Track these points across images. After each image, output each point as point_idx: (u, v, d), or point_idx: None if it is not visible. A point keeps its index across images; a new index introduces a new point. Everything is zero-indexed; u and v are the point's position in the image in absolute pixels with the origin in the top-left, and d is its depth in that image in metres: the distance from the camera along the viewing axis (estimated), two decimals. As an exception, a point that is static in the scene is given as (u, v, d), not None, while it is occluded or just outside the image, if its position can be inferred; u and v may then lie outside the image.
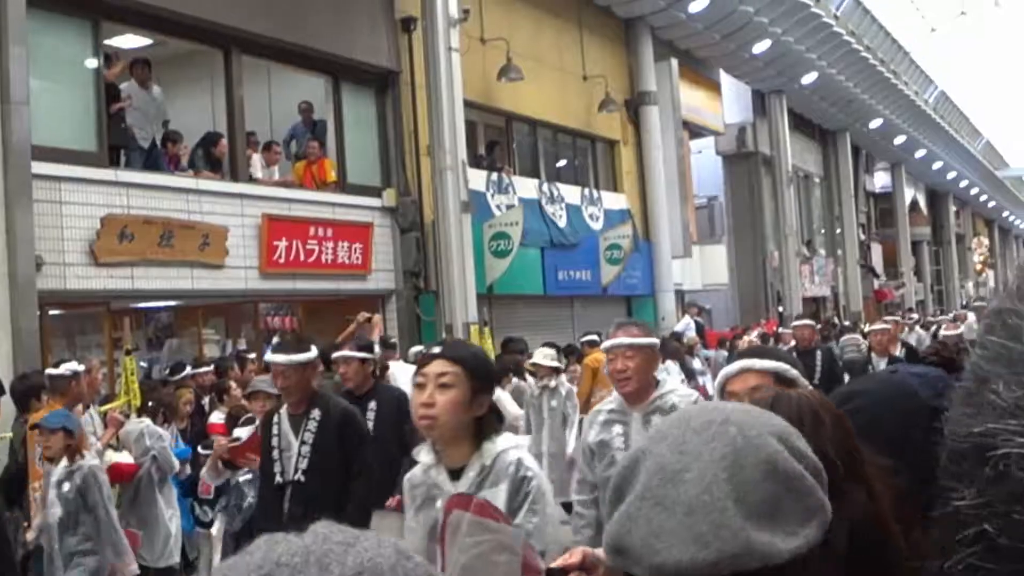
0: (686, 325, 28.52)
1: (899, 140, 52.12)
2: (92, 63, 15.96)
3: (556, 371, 14.71)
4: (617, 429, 6.78)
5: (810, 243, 45.34)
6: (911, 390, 2.59)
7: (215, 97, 18.93)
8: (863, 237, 52.92)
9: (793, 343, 16.23)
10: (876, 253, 55.98)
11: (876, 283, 54.19)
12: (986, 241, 65.86)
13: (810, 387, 3.37)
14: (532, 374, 15.73)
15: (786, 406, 2.13)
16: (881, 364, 11.57)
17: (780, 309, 40.11)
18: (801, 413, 2.12)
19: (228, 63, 18.33)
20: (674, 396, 6.76)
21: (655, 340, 7.02)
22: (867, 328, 14.16)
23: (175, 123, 18.10)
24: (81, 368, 10.06)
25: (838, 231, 49.36)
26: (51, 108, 15.09)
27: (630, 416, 6.78)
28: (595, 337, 19.95)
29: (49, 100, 15.06)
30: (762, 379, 3.75)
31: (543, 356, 14.83)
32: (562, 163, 28.82)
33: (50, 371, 9.57)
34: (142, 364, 17.77)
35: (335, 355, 10.90)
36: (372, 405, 10.22)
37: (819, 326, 25.34)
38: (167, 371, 15.36)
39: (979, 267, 72.02)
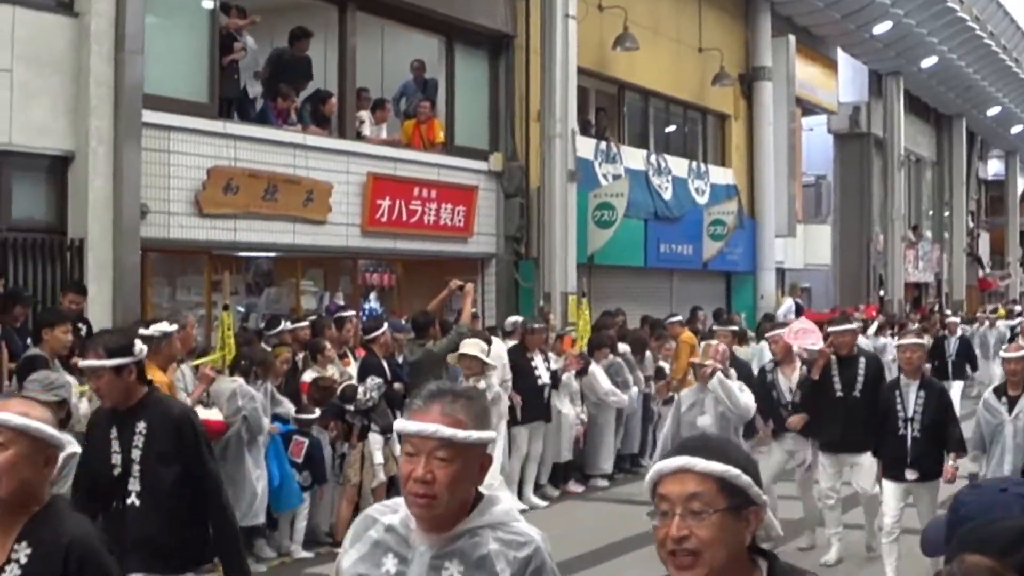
0: (788, 308, 28.25)
1: (1016, 129, 51.15)
2: (208, 4, 15.98)
3: (485, 367, 12.55)
4: None
5: (916, 228, 44.63)
6: None
7: (328, 52, 18.85)
8: (971, 224, 52.13)
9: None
10: (983, 241, 55.15)
11: (981, 272, 53.37)
12: None
13: (763, 497, 2.99)
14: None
15: None
16: (911, 388, 10.98)
17: (882, 293, 39.65)
18: None
19: (343, 18, 18.30)
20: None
21: (486, 435, 3.71)
22: (897, 342, 13.10)
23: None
24: (173, 328, 10.03)
25: (946, 215, 48.62)
26: (165, 56, 15.13)
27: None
28: (679, 317, 19.95)
29: (163, 48, 15.10)
30: (703, 484, 2.96)
31: (473, 347, 12.48)
32: (671, 135, 28.52)
33: (142, 331, 9.56)
34: (239, 309, 17.85)
35: (82, 363, 7.35)
36: (140, 426, 6.63)
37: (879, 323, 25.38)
38: (263, 324, 15.36)
39: None
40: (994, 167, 58.29)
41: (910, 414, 10.84)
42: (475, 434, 3.63)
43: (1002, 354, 11.10)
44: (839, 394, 11.97)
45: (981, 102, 45.53)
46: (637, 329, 20.14)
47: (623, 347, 17.79)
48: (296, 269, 18.75)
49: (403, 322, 15.61)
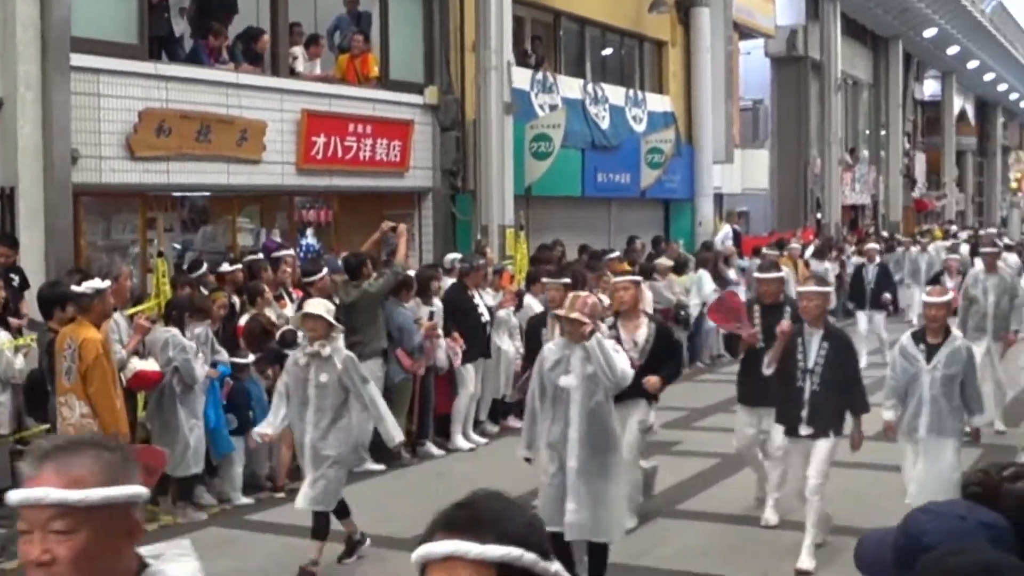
0: (725, 235, 28.42)
1: (952, 50, 51.32)
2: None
3: (331, 329, 10.31)
4: None
5: (854, 151, 44.87)
6: (1012, 560, 2.45)
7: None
8: (907, 146, 52.40)
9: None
10: (919, 162, 55.48)
11: (917, 193, 53.74)
12: None
13: (552, 569, 2.49)
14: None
15: None
16: (814, 338, 10.10)
17: (819, 216, 39.87)
18: None
19: (274, -48, 18.07)
20: None
21: (123, 491, 2.92)
22: (797, 288, 12.30)
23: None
24: (106, 285, 9.97)
25: (883, 135, 48.85)
26: (92, -1, 14.91)
27: None
28: (617, 253, 19.90)
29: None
30: (477, 573, 2.43)
31: (317, 306, 10.55)
32: (608, 63, 28.45)
33: (74, 288, 9.50)
34: (175, 246, 17.78)
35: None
36: None
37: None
38: (186, 266, 15.21)
39: (1015, 184, 68.41)
40: (930, 88, 58.53)
41: (810, 365, 10.15)
42: (101, 492, 2.79)
43: (924, 298, 10.62)
44: (760, 344, 11.21)
45: (917, 24, 45.65)
46: (574, 262, 20.16)
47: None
48: (232, 206, 18.65)
49: (339, 262, 15.58)
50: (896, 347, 10.67)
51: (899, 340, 10.76)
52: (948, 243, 34.01)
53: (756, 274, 12.96)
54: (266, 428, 10.33)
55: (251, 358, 12.76)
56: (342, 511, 10.31)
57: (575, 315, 8.73)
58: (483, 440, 15.58)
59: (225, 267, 14.51)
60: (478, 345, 15.33)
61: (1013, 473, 3.05)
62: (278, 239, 18.36)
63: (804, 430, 10.17)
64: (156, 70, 15.39)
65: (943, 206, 56.60)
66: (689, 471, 13.48)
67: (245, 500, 12.51)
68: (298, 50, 18.46)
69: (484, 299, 15.92)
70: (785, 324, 10.50)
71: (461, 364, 15.21)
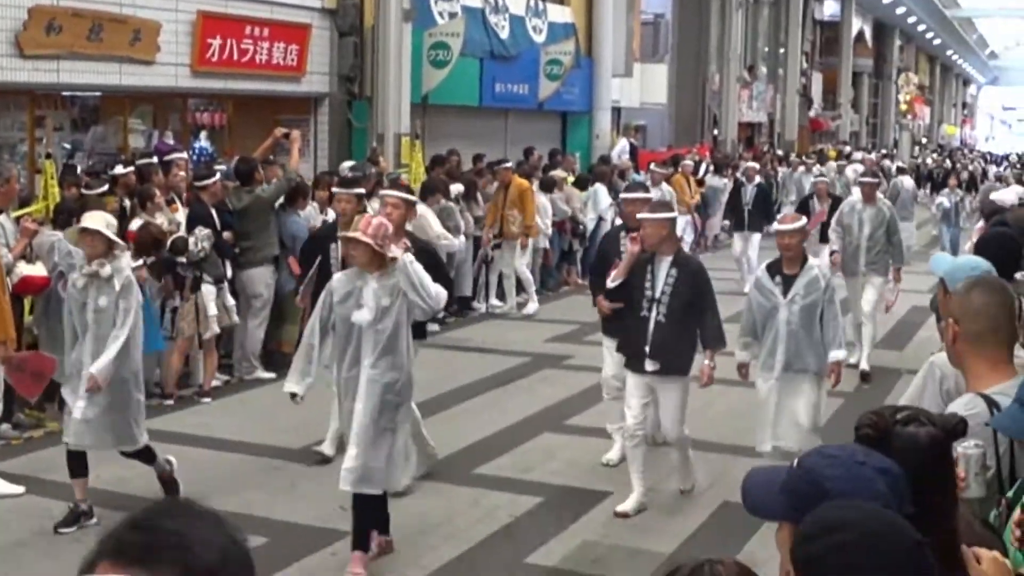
0: (622, 148, 28.49)
1: (852, -30, 51.61)
2: None
3: (112, 247, 8.96)
4: None
5: (752, 68, 45.05)
6: (899, 525, 2.49)
7: None
8: (805, 65, 52.71)
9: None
10: (816, 82, 55.86)
11: (813, 112, 54.16)
12: (915, 79, 62.48)
13: None
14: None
15: None
16: (663, 264, 9.25)
17: (716, 132, 40.08)
18: None
19: None
20: None
21: None
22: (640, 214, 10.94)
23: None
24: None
25: (781, 52, 49.09)
26: None
27: None
28: (510, 164, 19.67)
29: None
30: None
31: (96, 220, 9.03)
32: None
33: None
34: (65, 146, 17.51)
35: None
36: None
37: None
38: (61, 170, 14.85)
39: (904, 106, 66.91)
40: (830, 8, 58.75)
41: (657, 294, 9.27)
42: None
43: (776, 226, 10.07)
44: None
45: (820, -58, 45.83)
46: (468, 171, 20.13)
47: (456, 188, 17.80)
48: (124, 107, 18.35)
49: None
50: (751, 281, 10.36)
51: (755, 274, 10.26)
52: (847, 165, 34.30)
53: (622, 195, 12.14)
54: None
55: (139, 262, 12.59)
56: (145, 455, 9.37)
57: (356, 235, 7.77)
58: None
59: (118, 169, 14.29)
60: (371, 255, 15.24)
61: (905, 416, 3.10)
62: (171, 141, 18.12)
63: (649, 365, 9.29)
64: (46, -35, 15.04)
65: (838, 127, 57.14)
66: (578, 386, 13.52)
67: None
68: (195, -52, 18.13)
69: (377, 208, 15.81)
70: (633, 244, 9.44)
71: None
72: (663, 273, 9.28)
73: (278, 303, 14.10)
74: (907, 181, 28.63)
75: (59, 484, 9.34)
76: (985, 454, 4.15)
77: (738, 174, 25.83)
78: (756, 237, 21.90)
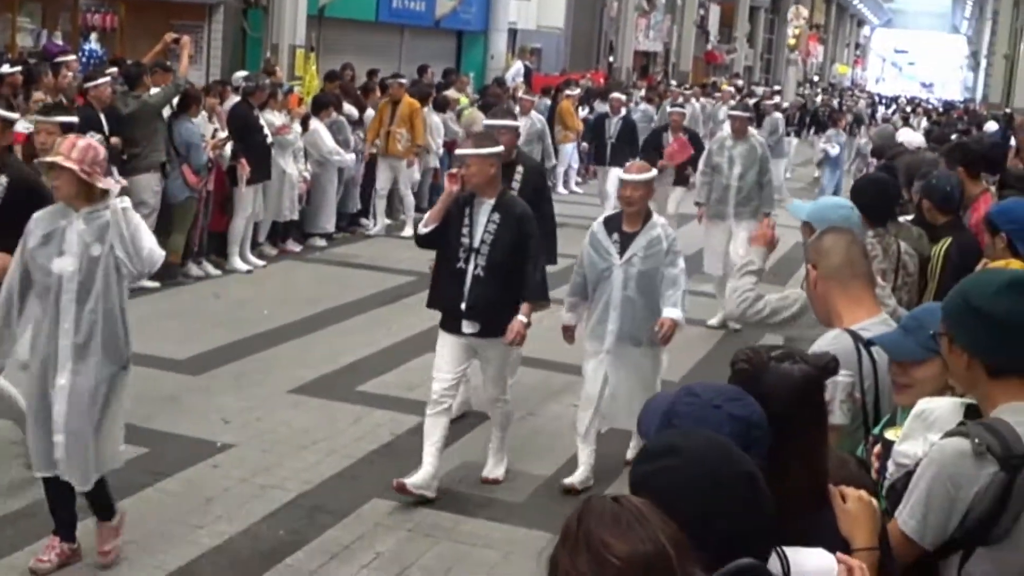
0: (516, 71, 28.41)
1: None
2: None
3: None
4: None
5: (651, -3, 45.14)
6: (732, 456, 2.55)
7: None
8: (703, -4, 52.91)
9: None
10: (714, 14, 56.03)
11: (709, 45, 54.37)
12: (805, 12, 60.94)
13: None
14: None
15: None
16: (483, 208, 7.96)
17: (611, 60, 40.10)
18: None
19: None
20: None
21: None
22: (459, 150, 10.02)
23: None
24: None
25: (680, -17, 49.25)
26: None
27: None
28: (404, 80, 19.14)
29: None
30: None
31: None
32: None
33: None
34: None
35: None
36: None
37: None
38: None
39: (792, 41, 62.52)
40: (731, -61, 59.05)
41: (476, 243, 7.97)
42: None
43: (620, 174, 8.61)
44: None
45: None
46: (360, 86, 19.94)
47: (348, 107, 17.68)
48: (12, 4, 17.97)
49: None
50: (586, 236, 8.62)
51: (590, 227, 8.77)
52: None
53: (486, 120, 11.05)
54: None
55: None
56: None
57: (56, 159, 6.32)
58: (261, 263, 15.41)
59: (5, 68, 13.99)
60: (261, 167, 15.06)
61: (780, 354, 3.17)
62: (60, 42, 17.79)
63: (467, 327, 8.08)
64: None
65: (732, 60, 57.41)
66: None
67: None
68: None
69: (270, 119, 15.64)
70: (451, 182, 7.99)
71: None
72: (483, 219, 8.01)
73: (165, 211, 13.93)
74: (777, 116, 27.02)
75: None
76: (853, 384, 4.42)
77: (634, 102, 25.75)
78: (616, 170, 19.97)
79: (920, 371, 3.96)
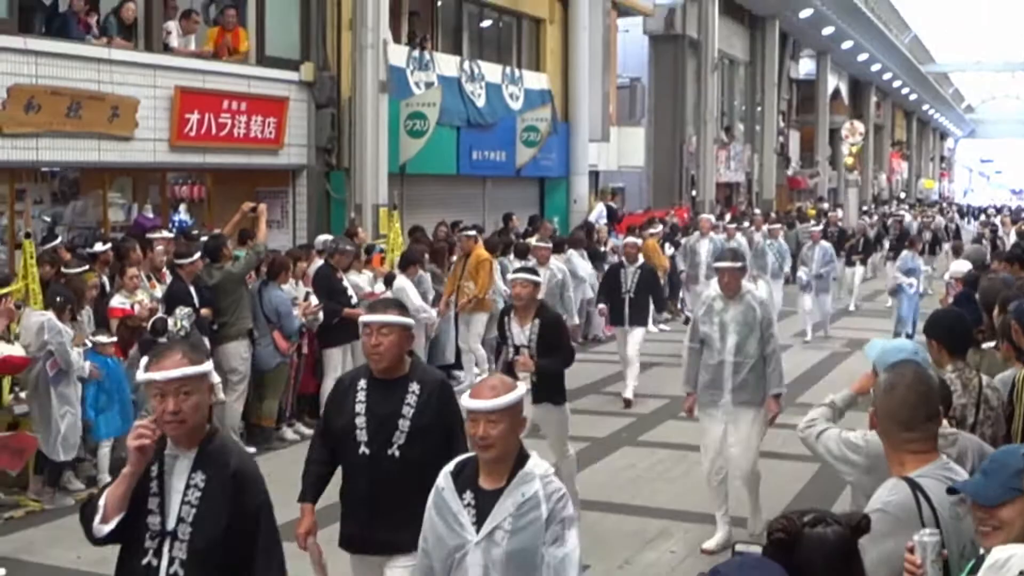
0: (600, 212, 28.67)
1: (827, 30, 52.09)
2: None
3: None
4: None
5: (729, 129, 45.46)
6: None
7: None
8: (782, 124, 53.12)
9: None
10: (794, 140, 56.27)
11: (790, 170, 54.53)
12: (861, 128, 56.00)
13: None
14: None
15: None
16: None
17: (694, 194, 40.33)
18: None
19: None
20: None
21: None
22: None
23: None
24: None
25: (758, 111, 49.51)
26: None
27: None
28: (473, 232, 19.24)
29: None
30: None
31: None
32: (486, 40, 28.56)
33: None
34: (45, 219, 17.64)
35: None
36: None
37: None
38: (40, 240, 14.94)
39: (850, 160, 54.71)
40: (805, 67, 59.36)
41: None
42: None
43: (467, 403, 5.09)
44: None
45: (794, 4, 46.33)
46: (439, 241, 20.16)
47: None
48: (103, 180, 18.45)
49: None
50: (431, 494, 5.32)
51: None
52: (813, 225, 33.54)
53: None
54: None
55: (113, 338, 12.67)
56: None
57: None
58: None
59: (98, 247, 14.47)
60: (347, 328, 15.31)
61: (812, 518, 3.25)
62: (150, 215, 18.28)
63: None
64: (25, 45, 15.15)
65: (816, 184, 57.48)
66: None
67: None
68: (172, 25, 18.28)
69: (355, 281, 15.91)
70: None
71: (328, 347, 15.19)
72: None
73: (257, 378, 14.18)
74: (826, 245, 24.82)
75: (40, 566, 9.40)
76: (940, 541, 4.29)
77: (616, 254, 23.09)
78: (639, 332, 17.73)
79: (1006, 512, 3.91)
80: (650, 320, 20.17)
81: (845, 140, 53.16)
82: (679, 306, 26.22)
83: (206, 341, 13.25)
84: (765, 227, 27.05)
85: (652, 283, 18.30)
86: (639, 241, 19.86)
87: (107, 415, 12.31)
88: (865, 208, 49.53)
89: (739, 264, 10.62)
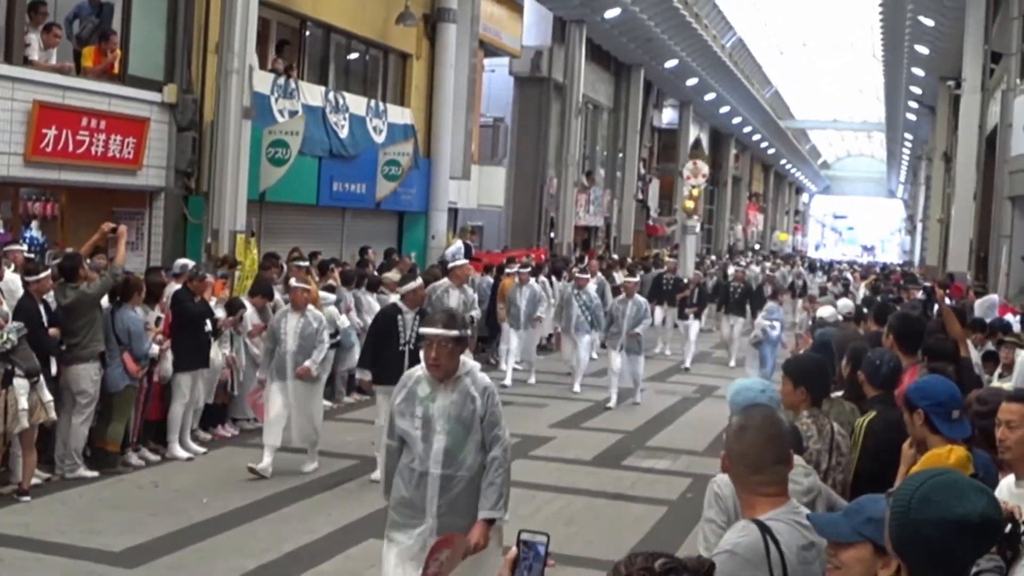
0: (457, 249, 28.64)
1: (691, 81, 52.98)
2: None
3: None
4: None
5: (590, 173, 45.90)
6: None
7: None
8: (643, 171, 53.70)
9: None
10: (653, 188, 56.90)
11: (649, 219, 55.11)
12: (704, 168, 51.26)
13: None
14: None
15: None
16: None
17: (552, 236, 40.59)
18: None
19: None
20: None
21: None
22: None
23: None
24: None
25: (620, 157, 50.03)
26: None
27: None
28: (306, 263, 19.08)
29: None
30: None
31: None
32: (352, 72, 28.52)
33: None
34: None
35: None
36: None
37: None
38: None
39: (690, 204, 48.15)
40: (668, 116, 60.20)
41: None
42: None
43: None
44: None
45: (660, 54, 46.97)
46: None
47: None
48: (-49, 193, 18.06)
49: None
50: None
51: None
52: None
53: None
54: None
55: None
56: None
57: None
58: (201, 449, 15.36)
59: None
60: (200, 354, 15.15)
61: (663, 565, 3.23)
62: (1, 230, 17.89)
63: None
64: None
65: (673, 231, 58.18)
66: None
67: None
68: (33, 37, 17.91)
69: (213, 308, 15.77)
70: None
71: (178, 372, 15.00)
72: None
73: (104, 400, 13.93)
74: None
75: None
76: None
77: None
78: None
79: (849, 554, 3.95)
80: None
81: (687, 181, 47.86)
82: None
83: (52, 360, 13.02)
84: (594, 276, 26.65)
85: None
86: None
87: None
88: (698, 258, 46.57)
89: (453, 333, 7.45)
